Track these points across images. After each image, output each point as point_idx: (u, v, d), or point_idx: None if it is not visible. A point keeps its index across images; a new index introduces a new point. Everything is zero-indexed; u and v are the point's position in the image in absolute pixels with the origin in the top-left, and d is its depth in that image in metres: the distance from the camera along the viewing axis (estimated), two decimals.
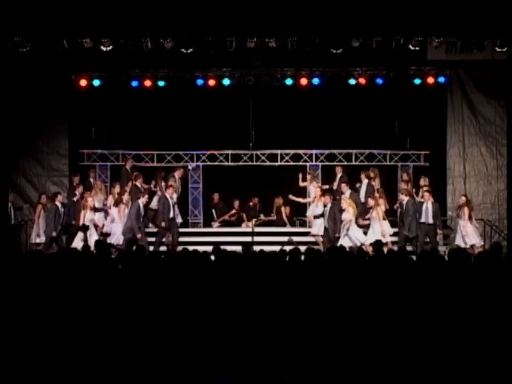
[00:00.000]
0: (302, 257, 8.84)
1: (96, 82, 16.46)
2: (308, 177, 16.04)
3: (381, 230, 14.15)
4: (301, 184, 16.20)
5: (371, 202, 14.54)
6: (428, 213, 14.43)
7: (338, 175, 16.08)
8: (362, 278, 7.31)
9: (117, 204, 14.82)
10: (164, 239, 14.85)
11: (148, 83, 16.44)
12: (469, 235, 14.21)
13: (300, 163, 16.73)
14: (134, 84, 16.50)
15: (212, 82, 16.44)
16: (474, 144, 16.87)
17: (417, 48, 14.72)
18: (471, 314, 6.03)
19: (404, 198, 14.58)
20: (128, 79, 16.48)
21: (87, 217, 14.14)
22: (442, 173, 16.93)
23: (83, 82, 16.42)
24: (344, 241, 14.13)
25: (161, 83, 16.48)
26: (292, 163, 16.75)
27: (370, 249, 13.24)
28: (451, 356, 5.50)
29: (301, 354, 5.51)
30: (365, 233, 14.53)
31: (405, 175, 15.90)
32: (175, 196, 15.10)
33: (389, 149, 16.75)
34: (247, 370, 5.33)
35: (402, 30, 13.95)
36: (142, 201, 14.53)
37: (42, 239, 14.70)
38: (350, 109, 16.88)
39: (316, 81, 16.43)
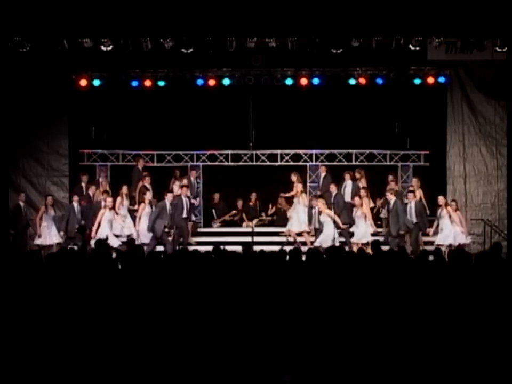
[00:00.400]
0: (303, 258, 8.84)
1: (96, 82, 16.44)
2: (294, 178, 15.86)
3: (365, 229, 14.25)
4: (287, 194, 16.09)
5: (357, 201, 14.55)
6: (411, 213, 14.52)
7: (322, 175, 16.09)
8: (362, 278, 7.31)
9: (139, 203, 14.90)
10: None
11: (148, 83, 16.43)
12: (448, 235, 14.20)
13: (300, 163, 16.71)
14: (134, 84, 16.49)
15: (212, 82, 16.43)
16: (474, 144, 16.86)
17: (417, 48, 14.74)
18: (471, 314, 6.03)
19: (391, 198, 14.63)
20: (128, 79, 16.46)
21: (105, 216, 14.09)
22: (442, 173, 16.92)
23: (83, 82, 16.41)
24: (319, 241, 14.24)
25: (161, 83, 16.47)
26: (292, 163, 16.73)
27: (355, 248, 13.38)
28: (451, 355, 5.50)
29: (301, 355, 5.51)
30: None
31: (390, 176, 15.86)
32: (188, 194, 15.09)
33: (389, 149, 16.74)
34: (248, 370, 5.33)
35: (402, 30, 13.97)
36: (168, 199, 14.52)
37: (46, 239, 14.57)
38: (350, 109, 16.87)
39: (316, 81, 16.41)
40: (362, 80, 16.37)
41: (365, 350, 5.55)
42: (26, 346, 5.60)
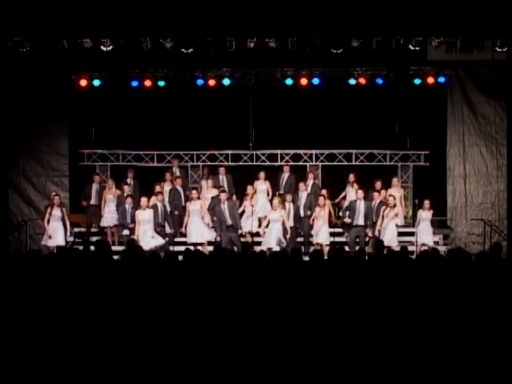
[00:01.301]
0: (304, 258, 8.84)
1: (96, 82, 16.45)
2: (262, 176, 15.63)
3: (325, 230, 14.29)
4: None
5: (321, 201, 14.51)
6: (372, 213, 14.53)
7: (286, 175, 15.91)
8: (362, 279, 7.31)
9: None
10: None
11: (148, 83, 16.43)
12: (385, 235, 14.10)
13: (300, 163, 16.73)
14: (134, 84, 16.49)
15: (212, 82, 16.44)
16: (474, 144, 16.87)
17: (417, 48, 14.75)
18: (470, 315, 6.03)
19: (358, 198, 14.67)
20: (128, 79, 16.47)
21: (141, 216, 13.86)
22: (442, 173, 16.93)
23: (83, 82, 16.41)
24: (267, 242, 14.08)
25: (161, 83, 16.48)
26: (292, 163, 16.72)
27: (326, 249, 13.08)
28: (451, 356, 5.51)
29: (302, 355, 5.51)
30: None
31: (351, 176, 15.69)
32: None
33: (389, 149, 16.74)
34: (249, 370, 5.34)
35: (402, 30, 13.99)
36: (222, 200, 14.25)
37: (49, 240, 14.27)
38: (350, 109, 16.86)
39: (316, 81, 16.42)
40: (362, 80, 16.37)
41: (365, 350, 5.55)
42: (25, 346, 5.60)
